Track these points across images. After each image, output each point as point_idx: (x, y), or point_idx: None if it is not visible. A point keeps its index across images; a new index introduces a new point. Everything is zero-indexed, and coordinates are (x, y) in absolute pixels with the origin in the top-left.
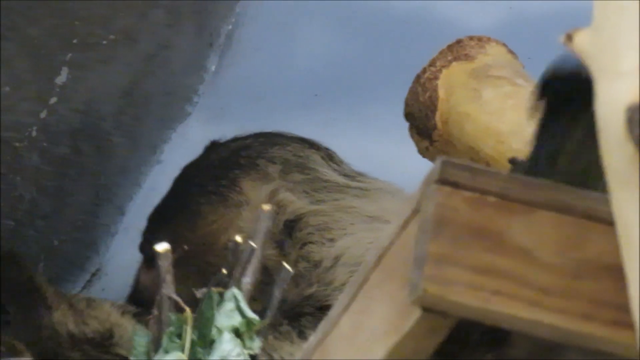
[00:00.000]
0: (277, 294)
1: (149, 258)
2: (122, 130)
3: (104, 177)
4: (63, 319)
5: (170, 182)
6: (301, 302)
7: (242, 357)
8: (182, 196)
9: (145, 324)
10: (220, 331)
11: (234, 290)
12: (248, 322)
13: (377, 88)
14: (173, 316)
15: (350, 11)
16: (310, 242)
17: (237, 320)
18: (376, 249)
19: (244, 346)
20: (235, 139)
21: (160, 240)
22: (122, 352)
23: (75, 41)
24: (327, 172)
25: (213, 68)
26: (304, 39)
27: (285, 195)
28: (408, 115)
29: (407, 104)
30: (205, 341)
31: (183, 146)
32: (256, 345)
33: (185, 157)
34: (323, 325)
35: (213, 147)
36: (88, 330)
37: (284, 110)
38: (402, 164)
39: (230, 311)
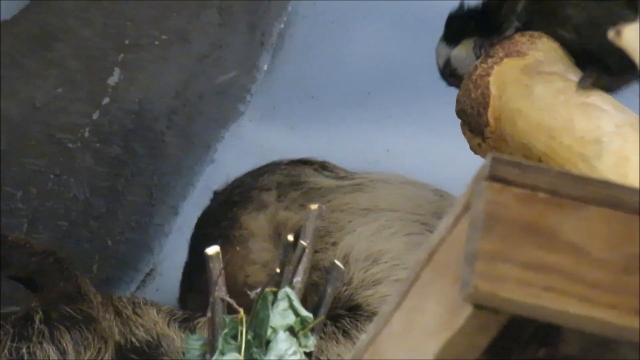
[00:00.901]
0: (329, 291)
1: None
2: (174, 130)
3: (157, 177)
4: (109, 331)
5: (224, 181)
6: (331, 306)
7: (298, 356)
8: (198, 253)
9: (192, 329)
10: (275, 331)
11: (287, 290)
12: (302, 321)
13: (429, 85)
14: (227, 318)
15: (401, 10)
16: (316, 251)
17: (291, 319)
18: (426, 247)
19: (300, 344)
20: (230, 182)
21: (194, 307)
22: None
23: (127, 42)
24: (320, 180)
25: (265, 67)
26: (356, 37)
27: (283, 214)
28: (460, 113)
29: (458, 101)
30: (260, 341)
31: (236, 145)
32: (311, 342)
33: (238, 156)
34: (374, 324)
35: (215, 196)
36: (135, 339)
37: (336, 108)
38: (455, 161)
39: (284, 310)
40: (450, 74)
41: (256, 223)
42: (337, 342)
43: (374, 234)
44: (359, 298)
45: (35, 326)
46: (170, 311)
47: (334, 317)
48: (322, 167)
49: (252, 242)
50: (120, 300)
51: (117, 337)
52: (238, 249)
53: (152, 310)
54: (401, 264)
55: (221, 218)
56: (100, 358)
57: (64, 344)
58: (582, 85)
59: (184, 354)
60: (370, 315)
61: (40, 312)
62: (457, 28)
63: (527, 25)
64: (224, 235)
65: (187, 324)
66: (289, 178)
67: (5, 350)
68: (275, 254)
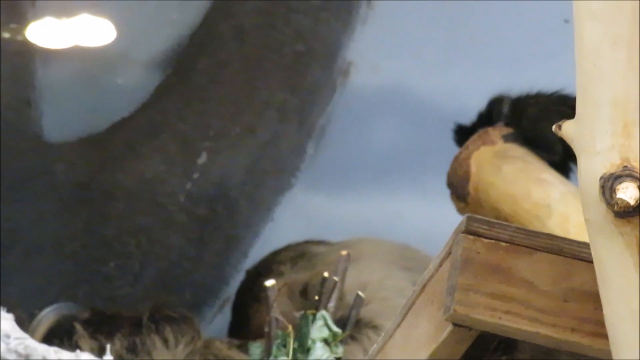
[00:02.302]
0: (353, 314)
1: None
2: (245, 196)
3: (232, 231)
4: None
5: (282, 236)
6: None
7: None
8: (237, 314)
9: (246, 351)
10: (314, 341)
11: (323, 312)
12: (334, 335)
13: (429, 164)
14: (279, 332)
15: (409, 109)
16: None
17: (326, 333)
18: (420, 281)
19: (332, 352)
20: (257, 262)
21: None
22: None
23: (211, 133)
24: (317, 249)
25: (311, 151)
26: (377, 129)
27: (295, 277)
28: (449, 185)
29: (448, 176)
30: (303, 349)
31: (290, 208)
32: (340, 350)
33: (291, 216)
34: (382, 337)
35: (247, 273)
36: None
37: (362, 182)
38: (447, 220)
39: (321, 327)
40: None
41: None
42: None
43: (360, 272)
44: (373, 317)
45: (144, 323)
46: (228, 341)
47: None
48: (319, 242)
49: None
50: (191, 320)
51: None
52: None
53: (217, 341)
54: (382, 288)
55: (252, 286)
56: (193, 343)
57: (166, 334)
58: (506, 141)
59: None
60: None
61: (147, 313)
62: (462, 134)
63: (508, 124)
64: (254, 298)
65: (242, 348)
66: (297, 252)
67: (124, 342)
68: (290, 306)
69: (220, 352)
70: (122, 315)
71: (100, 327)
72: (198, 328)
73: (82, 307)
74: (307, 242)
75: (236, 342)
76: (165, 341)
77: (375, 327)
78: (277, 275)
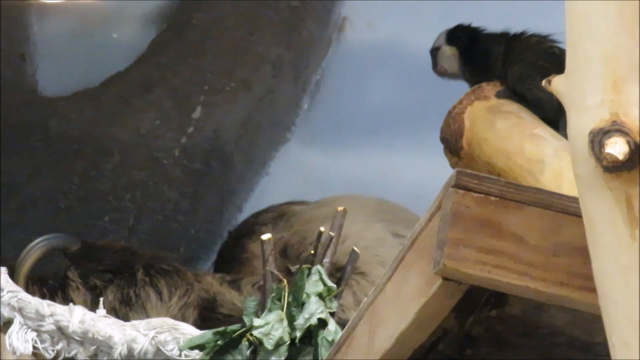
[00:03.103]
0: (349, 269)
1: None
2: (240, 151)
3: (227, 185)
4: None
5: (276, 190)
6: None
7: (324, 314)
8: (220, 262)
9: (238, 287)
10: (308, 296)
11: (318, 267)
12: (329, 289)
13: (423, 119)
14: (274, 285)
15: (403, 66)
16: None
17: (320, 288)
18: (410, 236)
19: (326, 306)
20: (240, 223)
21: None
22: (225, 311)
23: (206, 87)
24: (298, 208)
25: (306, 106)
26: (372, 85)
27: (276, 237)
28: (443, 140)
29: (442, 131)
30: (298, 303)
31: (285, 162)
32: (334, 305)
33: (286, 170)
34: (373, 291)
35: (229, 234)
36: (199, 298)
37: (358, 137)
38: (439, 173)
39: (316, 282)
40: (433, 57)
41: (257, 246)
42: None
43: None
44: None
45: (139, 277)
46: (221, 276)
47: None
48: (300, 202)
49: (256, 261)
50: (185, 272)
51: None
52: (246, 267)
53: (209, 277)
54: (362, 238)
55: (234, 247)
56: (187, 296)
57: (160, 287)
58: (499, 96)
59: (233, 303)
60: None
61: (142, 268)
62: (459, 37)
63: (500, 78)
64: (236, 259)
65: (234, 284)
66: (278, 212)
67: (118, 293)
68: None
69: (211, 287)
70: (112, 246)
71: (93, 272)
72: (192, 281)
73: (72, 238)
74: (288, 203)
75: (228, 277)
76: (159, 294)
77: (362, 273)
78: (260, 235)
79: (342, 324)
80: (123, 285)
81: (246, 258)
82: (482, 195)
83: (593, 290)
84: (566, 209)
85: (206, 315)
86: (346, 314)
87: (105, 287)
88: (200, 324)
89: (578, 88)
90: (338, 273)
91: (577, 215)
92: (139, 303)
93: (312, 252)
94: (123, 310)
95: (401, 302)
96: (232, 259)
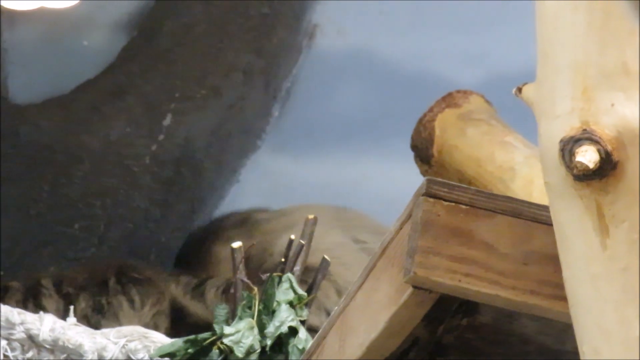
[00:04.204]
0: (320, 277)
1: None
2: (210, 158)
3: (197, 192)
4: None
5: (246, 197)
6: None
7: (295, 322)
8: (180, 263)
9: (202, 293)
10: (279, 304)
11: (289, 275)
12: (299, 297)
13: (393, 127)
14: (245, 293)
15: (374, 73)
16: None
17: (291, 295)
18: (381, 244)
19: (297, 314)
20: (202, 226)
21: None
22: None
23: (177, 95)
24: (260, 216)
25: (276, 114)
26: (342, 93)
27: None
28: (413, 147)
29: (412, 139)
30: (268, 310)
31: (255, 170)
32: (305, 313)
33: (256, 177)
34: (343, 299)
35: (190, 235)
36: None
37: (328, 144)
38: (409, 181)
39: (286, 289)
40: None
41: (222, 251)
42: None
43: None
44: None
45: (111, 285)
46: (186, 282)
47: None
48: (262, 211)
49: (220, 265)
50: (157, 281)
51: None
52: (212, 268)
53: (172, 285)
54: (323, 242)
55: (196, 249)
56: (159, 304)
57: (132, 295)
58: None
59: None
60: None
61: (114, 277)
62: None
63: None
64: (200, 262)
65: (199, 289)
66: (241, 219)
67: (90, 301)
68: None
69: (177, 298)
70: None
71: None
72: (163, 290)
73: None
74: (251, 210)
75: (193, 281)
76: (131, 302)
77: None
78: (224, 240)
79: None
80: (95, 293)
81: (209, 261)
82: (453, 204)
83: (564, 298)
84: (537, 218)
85: (177, 323)
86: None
87: (77, 295)
88: (172, 333)
89: (548, 96)
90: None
91: (548, 223)
92: (111, 311)
93: (283, 259)
94: (95, 318)
95: (372, 311)
96: (194, 261)
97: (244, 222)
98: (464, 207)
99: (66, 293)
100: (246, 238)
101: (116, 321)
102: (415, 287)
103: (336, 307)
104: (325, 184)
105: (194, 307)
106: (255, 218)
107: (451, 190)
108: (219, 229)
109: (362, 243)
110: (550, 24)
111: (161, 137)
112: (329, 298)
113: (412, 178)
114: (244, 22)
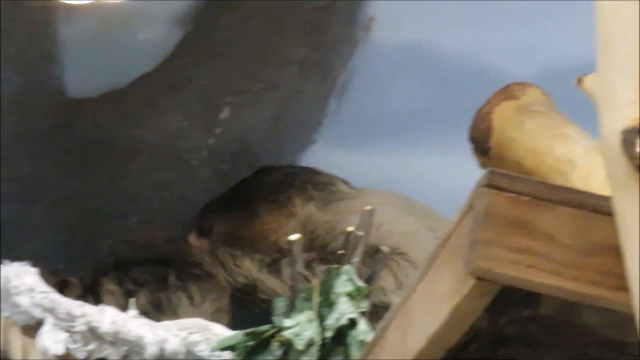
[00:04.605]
0: (378, 268)
1: (202, 229)
2: (267, 151)
3: None
4: (224, 282)
5: None
6: None
7: (355, 314)
8: (244, 198)
9: (278, 270)
10: (338, 295)
11: (347, 267)
12: (358, 289)
13: (449, 120)
14: (304, 285)
15: (432, 66)
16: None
17: (350, 287)
18: (443, 236)
19: (356, 306)
20: (284, 167)
21: (219, 221)
22: (264, 297)
23: (234, 88)
24: (343, 189)
25: (333, 107)
26: (398, 85)
27: (316, 213)
28: (471, 139)
29: (470, 131)
30: (327, 303)
31: (312, 163)
32: (364, 305)
33: None
34: (405, 291)
35: (265, 169)
36: (237, 283)
37: (385, 138)
38: (467, 174)
39: (345, 281)
40: None
41: (302, 209)
42: None
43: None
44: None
45: (171, 281)
46: (260, 259)
47: None
48: (345, 182)
49: (292, 221)
50: (223, 255)
51: (225, 284)
52: (282, 218)
53: (247, 260)
54: (399, 224)
55: (279, 191)
56: (219, 301)
57: (192, 292)
58: None
59: (273, 290)
60: None
61: (174, 272)
62: None
63: None
64: (277, 200)
65: (273, 267)
66: (324, 182)
67: (150, 297)
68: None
69: (250, 273)
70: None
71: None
72: (225, 284)
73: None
74: (335, 177)
75: (267, 260)
76: (191, 299)
77: (402, 254)
78: (308, 200)
79: (384, 306)
80: (155, 289)
81: (289, 214)
82: (514, 195)
83: (626, 289)
84: (598, 208)
85: (247, 299)
86: (388, 297)
87: (137, 291)
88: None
89: (609, 87)
90: (371, 258)
91: (609, 214)
92: (170, 307)
93: (342, 252)
94: (154, 314)
95: (433, 303)
96: (273, 201)
97: (325, 186)
98: (525, 198)
99: (126, 289)
100: (322, 204)
101: (175, 318)
102: (477, 278)
103: (397, 299)
104: (383, 177)
105: (270, 282)
106: (338, 189)
107: (512, 182)
108: (288, 184)
109: (434, 232)
110: (610, 15)
111: (218, 130)
112: (410, 278)
113: (470, 171)
114: (300, 15)
